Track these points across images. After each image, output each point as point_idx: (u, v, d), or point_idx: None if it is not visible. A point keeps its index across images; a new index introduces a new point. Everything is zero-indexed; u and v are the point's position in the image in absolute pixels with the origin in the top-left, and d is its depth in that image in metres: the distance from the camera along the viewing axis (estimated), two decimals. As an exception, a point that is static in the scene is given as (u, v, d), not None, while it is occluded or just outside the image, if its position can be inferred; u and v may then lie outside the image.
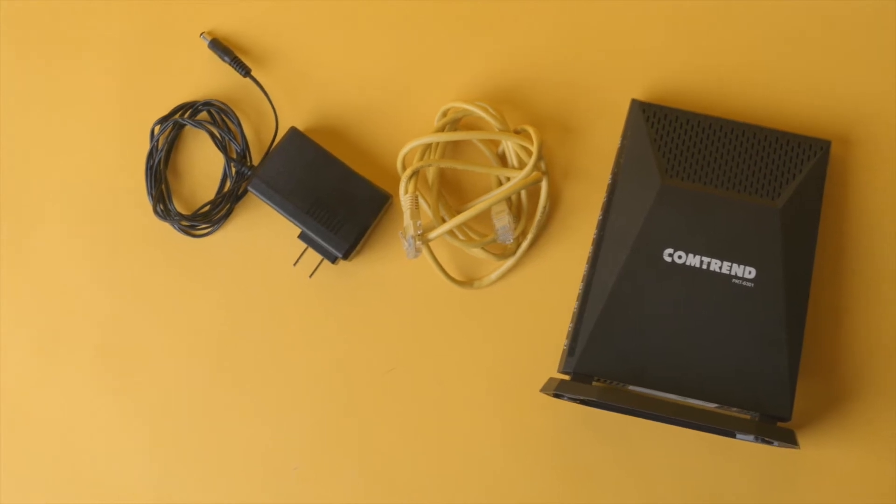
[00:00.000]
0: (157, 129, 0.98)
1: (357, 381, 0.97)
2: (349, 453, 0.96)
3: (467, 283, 0.97)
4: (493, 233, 0.95)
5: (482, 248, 0.96)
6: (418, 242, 0.91)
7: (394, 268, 0.98)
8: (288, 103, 0.99)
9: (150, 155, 0.98)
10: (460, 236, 0.96)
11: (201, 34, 0.99)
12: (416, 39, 1.00)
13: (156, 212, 0.97)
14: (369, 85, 1.00)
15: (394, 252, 0.98)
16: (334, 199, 0.95)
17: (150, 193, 0.97)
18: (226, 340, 0.98)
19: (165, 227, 0.98)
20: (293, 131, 0.96)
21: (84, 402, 0.97)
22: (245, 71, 0.98)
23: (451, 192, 0.98)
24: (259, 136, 0.99)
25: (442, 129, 0.97)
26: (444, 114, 0.97)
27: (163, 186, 0.97)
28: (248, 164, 0.98)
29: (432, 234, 0.92)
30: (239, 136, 0.98)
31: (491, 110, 0.96)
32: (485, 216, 0.97)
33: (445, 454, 0.96)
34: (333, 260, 0.96)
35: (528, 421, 0.96)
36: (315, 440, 0.97)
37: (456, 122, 0.98)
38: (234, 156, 0.98)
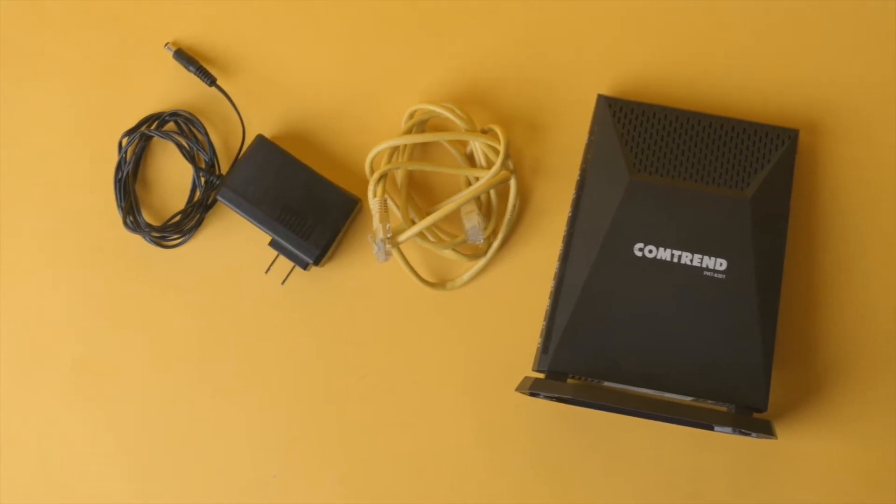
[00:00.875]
0: (124, 141, 0.98)
1: (334, 386, 0.97)
2: (328, 459, 0.96)
3: (440, 284, 0.97)
4: (463, 233, 0.95)
5: (453, 250, 0.96)
6: (388, 246, 0.91)
7: (366, 272, 0.98)
8: (255, 111, 0.99)
9: (119, 167, 0.98)
10: (431, 238, 0.96)
11: (166, 44, 0.99)
12: (382, 43, 1.00)
13: (125, 224, 0.96)
14: (335, 89, 0.99)
15: (365, 256, 0.98)
16: (303, 205, 0.95)
17: (119, 206, 0.97)
18: (201, 349, 0.97)
19: (137, 239, 0.98)
20: (260, 139, 0.96)
21: (62, 413, 0.97)
22: (210, 80, 0.98)
23: (420, 194, 0.98)
24: (227, 145, 0.99)
25: (409, 132, 0.97)
26: (411, 116, 0.97)
27: (132, 198, 0.97)
28: (217, 173, 0.98)
29: (402, 237, 0.92)
30: (206, 146, 0.98)
31: (457, 111, 0.96)
32: (455, 217, 0.96)
33: (424, 457, 0.96)
34: (305, 266, 0.96)
35: (506, 420, 0.96)
36: (294, 447, 0.97)
37: (423, 124, 0.98)
38: (203, 165, 0.98)
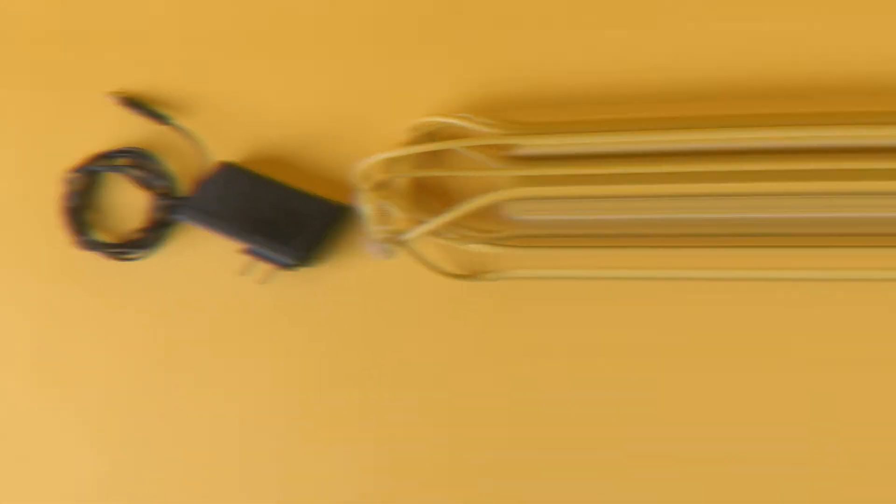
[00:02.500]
0: (75, 176, 0.90)
1: (303, 392, 0.89)
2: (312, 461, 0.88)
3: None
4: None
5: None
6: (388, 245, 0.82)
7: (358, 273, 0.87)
8: (218, 143, 0.89)
9: (68, 198, 0.90)
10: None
11: (107, 95, 0.91)
12: (378, 64, 0.87)
13: (79, 243, 0.90)
14: (301, 116, 0.89)
15: (356, 258, 0.87)
16: (280, 216, 0.86)
17: (72, 229, 0.90)
18: (167, 358, 0.92)
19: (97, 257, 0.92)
20: (224, 165, 0.88)
21: (36, 431, 0.94)
22: (163, 120, 0.89)
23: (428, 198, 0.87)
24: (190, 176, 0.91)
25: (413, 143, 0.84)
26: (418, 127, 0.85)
27: (85, 221, 0.91)
28: (176, 197, 0.90)
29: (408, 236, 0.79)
30: (163, 177, 0.89)
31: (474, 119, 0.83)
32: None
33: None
34: (285, 268, 0.87)
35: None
36: (289, 452, 0.89)
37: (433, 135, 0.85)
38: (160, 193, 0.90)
